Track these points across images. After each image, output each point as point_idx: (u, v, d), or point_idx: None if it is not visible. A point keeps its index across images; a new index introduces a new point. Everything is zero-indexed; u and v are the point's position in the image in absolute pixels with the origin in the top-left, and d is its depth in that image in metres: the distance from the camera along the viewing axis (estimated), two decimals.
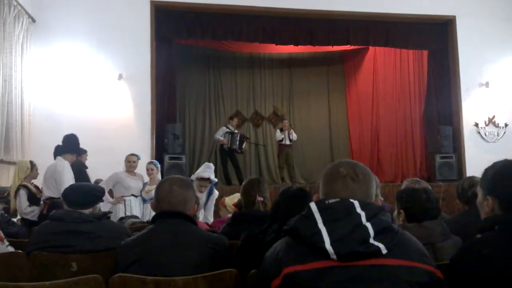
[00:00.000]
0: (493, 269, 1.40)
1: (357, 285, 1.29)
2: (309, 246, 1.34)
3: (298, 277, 1.32)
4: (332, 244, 1.30)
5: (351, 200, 1.40)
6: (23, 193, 5.05)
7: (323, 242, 1.31)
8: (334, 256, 1.29)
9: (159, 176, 6.01)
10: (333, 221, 1.35)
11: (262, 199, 2.85)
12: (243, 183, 3.08)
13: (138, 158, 6.10)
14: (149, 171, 6.02)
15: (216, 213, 5.33)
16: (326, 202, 1.41)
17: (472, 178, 2.99)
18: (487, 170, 1.65)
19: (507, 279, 1.37)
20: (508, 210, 1.53)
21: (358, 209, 1.37)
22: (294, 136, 10.22)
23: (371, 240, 1.31)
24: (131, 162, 5.98)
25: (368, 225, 1.34)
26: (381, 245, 1.31)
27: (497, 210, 1.57)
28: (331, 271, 1.30)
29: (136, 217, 4.70)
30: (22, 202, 5.02)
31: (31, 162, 5.38)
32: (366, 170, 1.52)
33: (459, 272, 1.45)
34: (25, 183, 5.18)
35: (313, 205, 1.41)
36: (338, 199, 1.40)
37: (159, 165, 6.19)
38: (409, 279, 1.31)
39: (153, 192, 5.23)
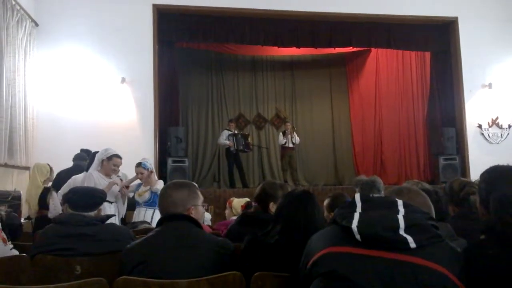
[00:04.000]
0: (500, 269, 1.39)
1: (379, 275, 1.29)
2: (343, 230, 1.38)
3: (328, 258, 1.37)
4: (358, 225, 1.34)
5: (396, 199, 1.44)
6: (55, 195, 4.91)
7: (351, 222, 1.35)
8: (358, 236, 1.32)
9: (154, 177, 5.33)
10: (370, 209, 1.40)
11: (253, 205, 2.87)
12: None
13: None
14: (138, 176, 5.17)
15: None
16: (371, 195, 1.50)
17: (460, 179, 2.97)
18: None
19: None
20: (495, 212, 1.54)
21: (400, 207, 1.40)
22: (296, 139, 10.22)
23: (401, 231, 1.32)
24: (117, 166, 4.91)
25: (400, 217, 1.36)
26: (409, 238, 1.31)
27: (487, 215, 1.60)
28: (356, 257, 1.32)
29: (148, 223, 4.63)
30: (56, 204, 4.87)
31: (48, 165, 5.41)
32: (425, 201, 1.64)
33: (465, 273, 1.44)
34: (47, 186, 5.22)
35: (357, 197, 1.47)
36: (383, 196, 1.44)
37: (148, 166, 5.23)
38: (433, 283, 1.29)
39: (147, 195, 5.02)
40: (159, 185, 5.12)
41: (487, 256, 1.43)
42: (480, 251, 1.47)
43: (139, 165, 5.18)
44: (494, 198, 1.54)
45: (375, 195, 1.47)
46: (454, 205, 2.85)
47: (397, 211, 1.38)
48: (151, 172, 5.21)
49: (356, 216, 1.38)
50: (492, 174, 1.64)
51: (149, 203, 5.07)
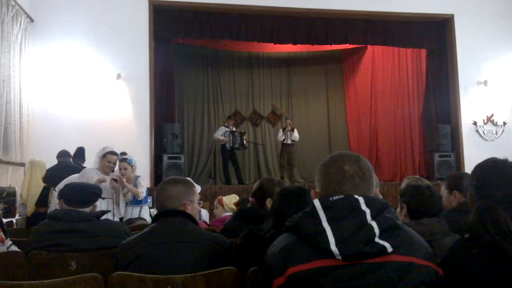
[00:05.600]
0: (483, 268, 1.40)
1: (363, 282, 1.28)
2: (313, 244, 1.32)
3: (302, 276, 1.30)
4: (337, 245, 1.28)
5: (356, 196, 1.37)
6: (56, 194, 4.92)
7: (328, 242, 1.29)
8: (339, 257, 1.28)
9: (134, 174, 5.21)
10: (337, 219, 1.33)
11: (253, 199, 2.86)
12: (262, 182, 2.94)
13: (118, 157, 5.14)
14: (122, 171, 5.02)
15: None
16: (330, 199, 1.37)
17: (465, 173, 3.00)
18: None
19: (496, 278, 1.37)
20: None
21: (363, 206, 1.35)
22: (295, 136, 10.24)
23: (376, 239, 1.30)
24: (111, 163, 4.97)
25: (374, 224, 1.32)
26: (386, 244, 1.30)
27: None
28: (336, 269, 1.29)
29: (144, 219, 4.65)
30: (57, 203, 4.87)
31: None
32: (368, 164, 1.48)
33: (450, 271, 1.45)
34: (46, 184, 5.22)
35: (316, 203, 1.37)
36: (343, 196, 1.37)
37: (133, 162, 5.17)
38: (415, 277, 1.30)
39: (129, 195, 4.94)
40: (141, 184, 5.08)
41: (471, 255, 1.43)
42: (464, 250, 1.47)
43: (124, 160, 5.11)
44: (478, 206, 1.53)
45: (335, 197, 1.39)
46: (460, 192, 2.81)
47: (364, 214, 1.33)
48: (133, 169, 5.18)
49: (328, 231, 1.30)
50: (484, 169, 1.64)
51: (134, 202, 5.07)
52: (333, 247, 1.28)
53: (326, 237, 1.30)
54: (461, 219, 2.39)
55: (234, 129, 10.15)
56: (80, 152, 6.58)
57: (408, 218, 2.38)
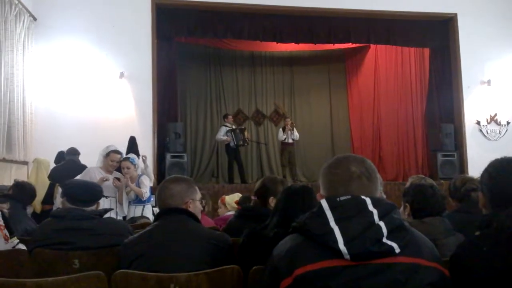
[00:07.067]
0: (494, 266, 1.38)
1: (370, 283, 1.28)
2: (320, 244, 1.31)
3: (310, 276, 1.30)
4: (345, 244, 1.28)
5: (363, 197, 1.37)
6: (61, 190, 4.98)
7: (336, 242, 1.29)
8: (347, 256, 1.28)
9: (138, 172, 5.24)
10: (345, 219, 1.32)
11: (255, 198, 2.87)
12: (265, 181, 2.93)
13: (121, 155, 5.15)
14: (125, 170, 4.98)
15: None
16: (338, 199, 1.37)
17: (464, 176, 3.01)
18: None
19: (507, 276, 1.36)
20: (497, 207, 1.53)
21: (370, 207, 1.35)
22: (296, 135, 10.23)
23: (384, 240, 1.30)
24: (114, 161, 4.98)
25: (382, 224, 1.32)
26: (394, 244, 1.30)
27: (488, 207, 1.59)
28: (343, 270, 1.28)
29: (147, 218, 4.66)
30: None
31: None
32: (373, 165, 1.49)
33: (459, 269, 1.44)
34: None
35: (324, 203, 1.37)
36: (350, 196, 1.37)
37: (136, 161, 5.17)
38: (422, 278, 1.30)
39: (132, 194, 4.92)
40: (144, 184, 5.05)
41: (482, 253, 1.42)
42: (475, 248, 1.46)
43: (126, 159, 5.08)
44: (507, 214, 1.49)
45: (342, 198, 1.39)
46: (456, 201, 2.87)
47: (371, 214, 1.33)
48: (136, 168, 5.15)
49: (336, 231, 1.30)
50: (497, 167, 1.62)
51: (137, 201, 5.05)
52: (341, 246, 1.28)
53: (335, 236, 1.30)
54: (463, 220, 2.39)
55: (234, 127, 10.14)
56: (60, 156, 6.48)
57: (411, 217, 2.38)
